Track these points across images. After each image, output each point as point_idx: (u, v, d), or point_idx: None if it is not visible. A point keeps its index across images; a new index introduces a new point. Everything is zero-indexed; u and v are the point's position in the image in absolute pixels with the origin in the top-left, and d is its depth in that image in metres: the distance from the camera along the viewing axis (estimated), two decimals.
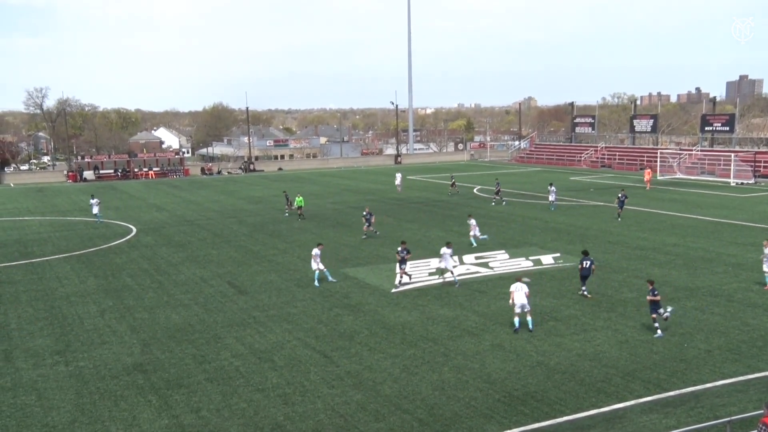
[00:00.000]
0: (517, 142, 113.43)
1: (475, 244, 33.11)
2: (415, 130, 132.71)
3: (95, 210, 44.40)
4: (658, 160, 70.19)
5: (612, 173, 74.35)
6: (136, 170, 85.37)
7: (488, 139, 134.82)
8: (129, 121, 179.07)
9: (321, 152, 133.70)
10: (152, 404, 15.92)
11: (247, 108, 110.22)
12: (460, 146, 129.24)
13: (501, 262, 30.08)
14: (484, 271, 28.33)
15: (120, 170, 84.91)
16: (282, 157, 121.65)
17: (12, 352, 19.74)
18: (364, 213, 37.03)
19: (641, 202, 48.06)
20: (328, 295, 25.17)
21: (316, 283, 26.44)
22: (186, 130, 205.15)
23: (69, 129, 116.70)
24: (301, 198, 45.01)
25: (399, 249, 26.00)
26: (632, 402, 15.38)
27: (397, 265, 26.07)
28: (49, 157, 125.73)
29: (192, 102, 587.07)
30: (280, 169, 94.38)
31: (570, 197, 52.65)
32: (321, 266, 26.56)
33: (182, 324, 22.07)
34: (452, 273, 25.96)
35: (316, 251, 26.68)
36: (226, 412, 15.42)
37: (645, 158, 76.81)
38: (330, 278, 26.80)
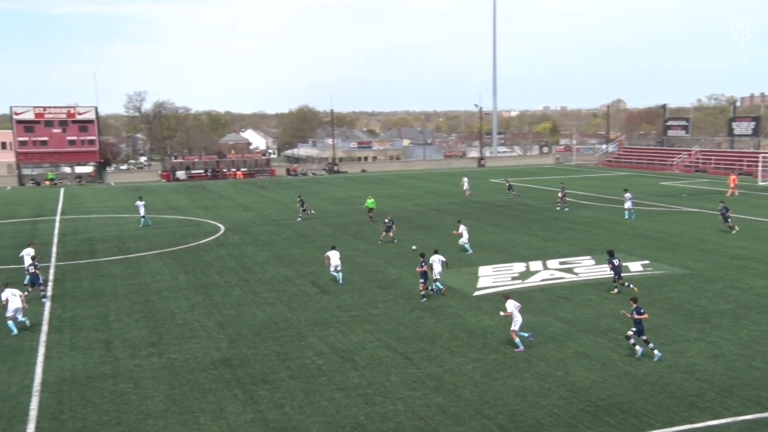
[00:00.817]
0: (604, 146, 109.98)
1: (471, 250, 32.63)
2: (499, 133, 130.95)
3: (141, 212, 44.64)
4: (760, 164, 66.23)
5: (707, 178, 70.83)
6: (224, 170, 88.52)
7: (574, 142, 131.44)
8: (219, 123, 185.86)
9: (404, 154, 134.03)
10: (238, 398, 16.46)
11: (332, 110, 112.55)
12: (545, 149, 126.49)
13: (586, 268, 29.26)
14: (568, 277, 27.64)
15: (210, 170, 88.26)
16: (365, 158, 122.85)
17: (112, 342, 20.93)
18: (386, 220, 36.85)
19: (739, 209, 45.51)
20: (410, 297, 25.24)
21: (341, 281, 27.19)
22: (272, 131, 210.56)
23: (164, 130, 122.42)
24: (372, 200, 44.63)
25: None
26: (729, 419, 14.61)
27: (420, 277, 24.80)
28: (145, 158, 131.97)
29: (278, 104, 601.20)
30: (363, 170, 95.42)
31: (660, 203, 50.55)
32: (331, 268, 27.26)
33: (267, 321, 22.71)
34: (435, 281, 25.22)
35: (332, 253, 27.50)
36: (308, 409, 15.73)
37: (744, 163, 72.76)
38: (340, 281, 27.35)
